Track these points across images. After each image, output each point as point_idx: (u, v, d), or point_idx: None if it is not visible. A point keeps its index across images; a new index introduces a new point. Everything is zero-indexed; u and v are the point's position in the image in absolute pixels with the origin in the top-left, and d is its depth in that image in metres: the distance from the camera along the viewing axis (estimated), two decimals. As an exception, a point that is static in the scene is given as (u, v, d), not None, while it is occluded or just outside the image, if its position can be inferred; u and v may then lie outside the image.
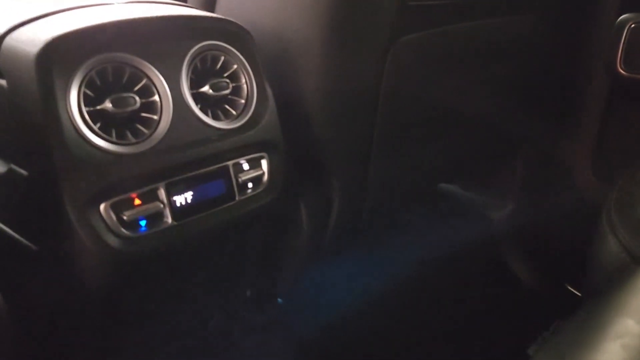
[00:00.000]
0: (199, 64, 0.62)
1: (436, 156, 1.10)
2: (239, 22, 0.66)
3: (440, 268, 1.29)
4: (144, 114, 0.56)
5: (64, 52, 0.51)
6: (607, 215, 0.70)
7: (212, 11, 0.80)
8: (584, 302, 0.52)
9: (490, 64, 1.03)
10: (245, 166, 0.65)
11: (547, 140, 1.32)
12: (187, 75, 0.60)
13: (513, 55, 1.08)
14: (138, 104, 0.55)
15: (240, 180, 0.64)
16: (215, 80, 0.62)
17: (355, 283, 1.13)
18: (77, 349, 0.63)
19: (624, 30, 1.20)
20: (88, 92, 0.53)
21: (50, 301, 0.59)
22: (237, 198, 0.64)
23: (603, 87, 1.24)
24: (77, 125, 0.52)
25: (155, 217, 0.56)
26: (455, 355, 1.10)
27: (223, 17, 0.65)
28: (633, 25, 1.20)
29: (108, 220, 0.53)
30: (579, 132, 1.27)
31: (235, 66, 0.65)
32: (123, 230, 0.54)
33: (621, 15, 1.19)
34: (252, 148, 0.65)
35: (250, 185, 0.65)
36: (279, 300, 0.91)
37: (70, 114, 0.51)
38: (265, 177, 0.67)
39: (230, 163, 0.63)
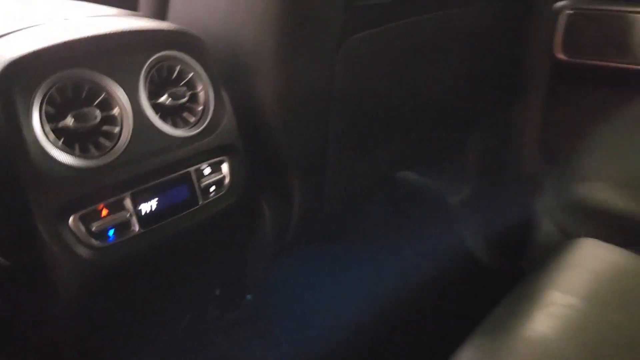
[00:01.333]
0: (156, 75, 0.64)
1: (393, 146, 1.14)
2: (192, 30, 0.69)
3: (402, 254, 1.35)
4: (105, 127, 0.59)
5: (24, 72, 0.53)
6: (544, 196, 0.76)
7: (164, 18, 0.82)
8: (523, 277, 0.57)
9: (439, 55, 1.08)
10: (207, 171, 0.68)
11: (498, 124, 1.38)
12: (145, 86, 0.62)
13: (461, 47, 1.13)
14: (99, 118, 0.58)
15: (202, 185, 0.67)
16: (172, 90, 0.65)
17: (323, 276, 1.17)
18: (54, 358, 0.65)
19: (561, 17, 1.26)
20: (49, 109, 0.55)
21: (25, 314, 0.61)
22: (200, 202, 0.66)
23: (546, 72, 1.31)
24: (41, 143, 0.54)
25: (123, 226, 0.59)
26: (421, 331, 1.15)
27: (177, 27, 0.67)
28: (571, 12, 1.27)
29: (77, 232, 0.56)
30: (526, 116, 1.34)
31: (191, 74, 0.67)
32: (93, 240, 0.56)
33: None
34: (212, 153, 0.68)
35: (212, 189, 0.68)
36: (248, 297, 0.95)
37: (33, 132, 0.53)
38: (227, 180, 0.70)
39: (192, 169, 0.66)
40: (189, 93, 0.66)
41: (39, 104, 0.54)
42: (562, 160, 0.85)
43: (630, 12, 1.20)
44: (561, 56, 1.29)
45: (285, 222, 0.88)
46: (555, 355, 0.45)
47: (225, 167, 0.70)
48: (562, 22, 1.26)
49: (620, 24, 1.21)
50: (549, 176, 0.82)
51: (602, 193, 0.70)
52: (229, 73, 0.73)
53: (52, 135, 0.55)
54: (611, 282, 0.54)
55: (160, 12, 0.82)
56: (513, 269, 1.32)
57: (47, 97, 0.55)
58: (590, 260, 0.57)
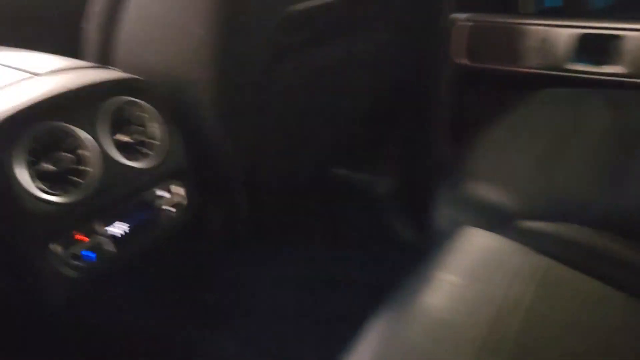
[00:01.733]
0: (115, 118, 0.76)
1: (325, 148, 1.30)
2: (140, 75, 0.81)
3: (338, 238, 1.51)
4: (77, 167, 0.71)
5: (7, 129, 0.65)
6: (441, 189, 0.93)
7: (108, 60, 0.93)
8: (421, 260, 0.73)
9: (360, 69, 1.24)
10: (164, 194, 0.81)
11: (415, 124, 1.57)
12: (107, 128, 0.74)
13: (378, 59, 1.30)
14: (71, 160, 0.70)
15: (161, 206, 0.80)
16: (130, 129, 0.77)
17: (271, 270, 1.31)
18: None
19: (462, 28, 1.45)
20: (30, 157, 0.66)
21: (20, 328, 0.72)
22: (160, 221, 0.80)
23: (453, 76, 1.49)
24: (26, 186, 0.65)
25: (99, 247, 0.71)
26: (357, 309, 1.31)
27: (129, 75, 0.80)
28: (471, 24, 1.46)
29: (62, 256, 0.68)
30: (437, 116, 1.53)
31: (145, 114, 0.79)
32: (75, 262, 0.69)
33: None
34: (167, 179, 0.81)
35: (169, 208, 0.81)
36: (203, 295, 1.09)
37: (19, 178, 0.65)
38: (181, 200, 0.83)
39: (150, 194, 0.79)
40: (144, 130, 0.79)
41: (22, 155, 0.65)
42: (459, 161, 1.03)
43: (520, 23, 1.40)
44: (464, 62, 1.48)
45: (231, 225, 1.02)
46: (439, 321, 0.62)
47: (178, 190, 0.83)
48: (463, 32, 1.45)
49: (512, 33, 1.41)
50: (446, 173, 0.99)
51: (481, 188, 0.88)
52: (177, 108, 0.86)
53: (34, 179, 0.66)
54: (485, 262, 0.71)
55: (103, 58, 0.92)
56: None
57: (28, 147, 0.66)
58: (470, 246, 0.74)
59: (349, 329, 0.67)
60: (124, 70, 0.84)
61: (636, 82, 1.28)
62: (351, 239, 1.50)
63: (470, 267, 0.70)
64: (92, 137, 0.72)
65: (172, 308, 0.97)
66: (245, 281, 1.19)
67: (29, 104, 0.67)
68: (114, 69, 0.83)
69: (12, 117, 0.65)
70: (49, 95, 0.69)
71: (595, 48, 1.31)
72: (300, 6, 0.96)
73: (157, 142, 0.80)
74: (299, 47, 0.99)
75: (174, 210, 0.82)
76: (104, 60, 0.93)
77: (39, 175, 0.67)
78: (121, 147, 0.76)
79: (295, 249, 1.43)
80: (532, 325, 0.64)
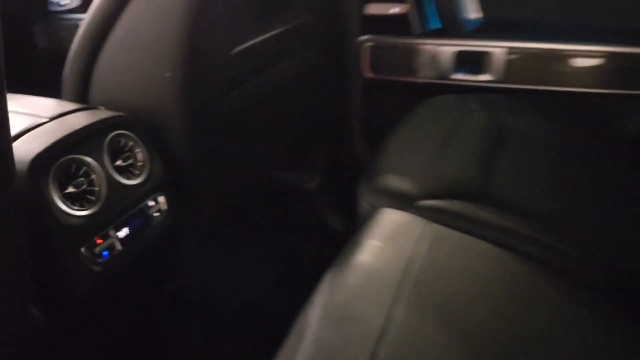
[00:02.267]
0: (112, 147, 0.98)
1: (268, 156, 1.57)
2: (123, 112, 1.03)
3: (278, 234, 1.78)
4: (90, 188, 0.92)
5: (42, 162, 0.86)
6: (362, 182, 1.23)
7: (86, 101, 1.14)
8: (349, 237, 1.02)
9: (291, 87, 1.51)
10: (152, 204, 1.04)
11: (336, 129, 1.86)
12: (108, 156, 0.96)
13: (308, 80, 1.58)
14: (85, 183, 0.91)
15: (151, 213, 1.03)
16: (123, 155, 1.00)
17: (231, 257, 1.56)
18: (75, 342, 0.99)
19: (365, 47, 1.75)
20: (58, 183, 0.88)
21: (58, 312, 0.93)
22: (151, 225, 1.03)
23: (363, 88, 1.80)
24: (58, 205, 0.86)
25: (112, 248, 0.94)
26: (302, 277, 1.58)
27: (117, 113, 1.02)
28: (373, 44, 1.77)
29: (87, 256, 0.90)
30: (353, 121, 1.83)
31: (131, 143, 1.02)
32: (97, 259, 0.91)
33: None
34: (153, 192, 1.04)
35: (157, 214, 1.04)
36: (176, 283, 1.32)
37: (53, 199, 0.86)
38: (165, 207, 1.06)
39: (143, 204, 1.01)
40: (133, 155, 1.01)
41: (52, 182, 0.87)
42: (374, 156, 1.33)
43: (412, 43, 1.72)
44: (370, 75, 1.79)
45: (199, 225, 1.26)
46: (366, 270, 0.90)
47: (162, 199, 1.06)
48: (367, 51, 1.76)
49: (407, 51, 1.73)
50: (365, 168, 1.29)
51: (391, 179, 1.18)
52: (154, 136, 1.08)
53: (63, 199, 0.88)
54: (396, 230, 1.01)
55: (81, 99, 1.13)
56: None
57: (56, 176, 0.87)
58: (386, 221, 1.03)
59: (302, 290, 0.93)
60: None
61: (502, 87, 1.64)
62: (291, 226, 1.78)
63: (387, 234, 1.00)
64: (99, 164, 0.94)
65: (157, 301, 1.20)
66: (213, 270, 1.43)
67: (53, 142, 0.88)
68: (102, 109, 1.05)
69: (43, 153, 0.86)
70: (66, 134, 0.91)
71: (471, 61, 1.66)
72: (242, 46, 1.22)
73: (143, 164, 1.03)
74: (244, 77, 1.25)
75: (159, 215, 1.05)
76: (82, 101, 1.13)
77: (66, 197, 0.89)
78: (118, 170, 0.98)
79: (250, 238, 1.69)
80: (428, 271, 0.94)
